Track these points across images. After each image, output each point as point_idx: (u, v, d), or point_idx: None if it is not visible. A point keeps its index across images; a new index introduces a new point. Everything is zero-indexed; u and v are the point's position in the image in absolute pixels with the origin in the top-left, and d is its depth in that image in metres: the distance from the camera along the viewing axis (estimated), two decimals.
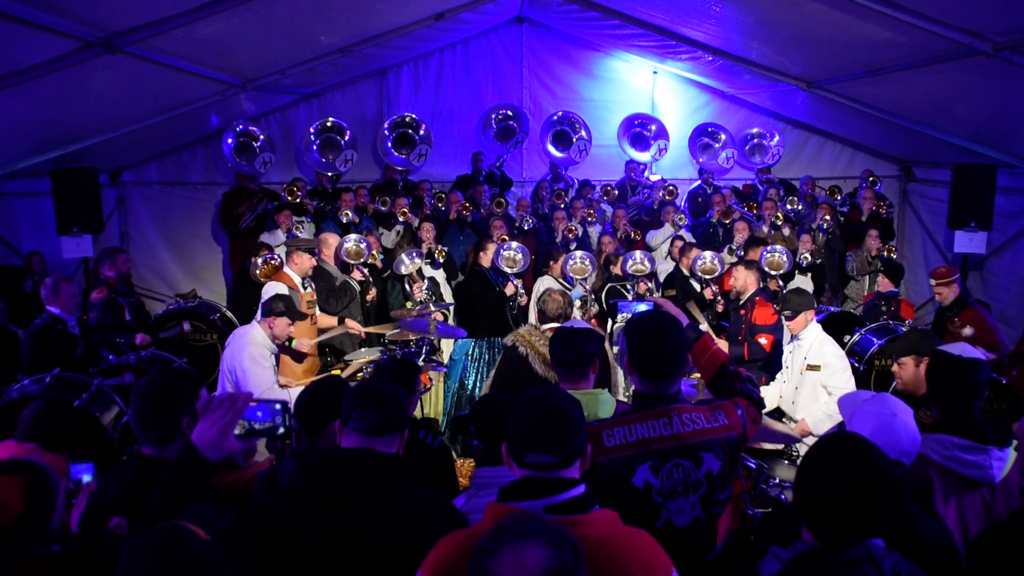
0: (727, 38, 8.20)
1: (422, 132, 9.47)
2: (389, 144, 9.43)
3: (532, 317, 7.29)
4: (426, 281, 7.23)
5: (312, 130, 9.14)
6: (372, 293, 7.25)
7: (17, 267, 7.31)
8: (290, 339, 5.24)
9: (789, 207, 8.93)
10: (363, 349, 6.64)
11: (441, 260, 7.73)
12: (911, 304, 7.67)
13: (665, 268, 8.16)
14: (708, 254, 7.31)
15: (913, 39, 5.84)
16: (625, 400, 4.13)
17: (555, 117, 9.97)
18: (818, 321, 5.23)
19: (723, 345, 5.69)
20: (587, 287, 7.28)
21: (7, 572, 2.11)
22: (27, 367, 5.36)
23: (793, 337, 5.13)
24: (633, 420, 2.43)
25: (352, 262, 6.96)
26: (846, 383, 4.82)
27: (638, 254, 7.49)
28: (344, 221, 8.26)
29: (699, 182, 10.15)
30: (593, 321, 6.94)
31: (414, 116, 9.50)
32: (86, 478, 2.47)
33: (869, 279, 8.02)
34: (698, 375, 4.47)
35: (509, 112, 9.98)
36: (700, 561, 2.41)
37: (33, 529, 2.17)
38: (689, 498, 2.38)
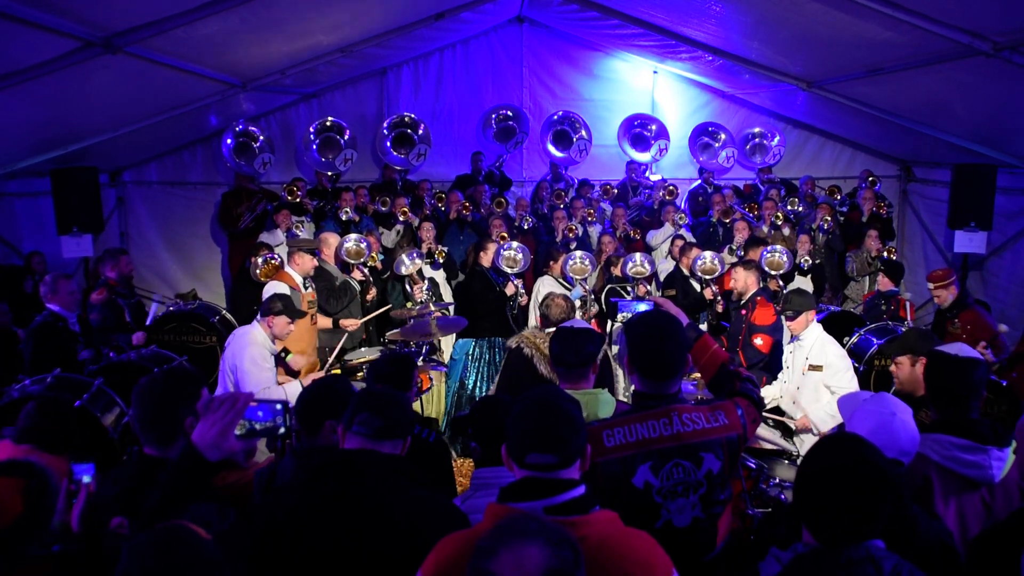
0: (727, 38, 8.20)
1: (421, 132, 9.47)
2: (388, 144, 9.43)
3: (532, 317, 7.29)
4: (426, 281, 7.23)
5: (312, 129, 9.14)
6: (372, 293, 7.25)
7: (17, 267, 7.31)
8: (285, 352, 5.22)
9: (789, 208, 8.93)
10: (363, 348, 6.64)
11: (441, 260, 7.73)
12: (911, 303, 7.67)
13: (666, 267, 8.16)
14: (708, 254, 7.31)
15: (913, 39, 5.84)
16: (626, 400, 4.13)
17: (555, 117, 9.98)
18: (818, 321, 5.23)
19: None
20: (587, 287, 7.28)
21: (7, 573, 2.11)
22: (28, 365, 5.35)
23: (794, 337, 5.13)
24: (633, 420, 2.43)
25: (352, 262, 6.96)
26: (848, 383, 4.82)
27: (638, 256, 7.49)
28: (344, 219, 8.26)
29: (699, 182, 10.15)
30: (593, 321, 6.95)
31: (413, 116, 9.50)
32: (86, 479, 2.47)
33: (869, 279, 8.02)
34: (698, 375, 4.48)
35: (509, 112, 9.98)
36: (700, 561, 2.41)
37: (32, 530, 2.17)
38: (689, 498, 2.38)
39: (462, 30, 9.50)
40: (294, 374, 5.44)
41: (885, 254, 7.82)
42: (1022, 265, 7.92)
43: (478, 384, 6.67)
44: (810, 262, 7.80)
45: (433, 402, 6.34)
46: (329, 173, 9.25)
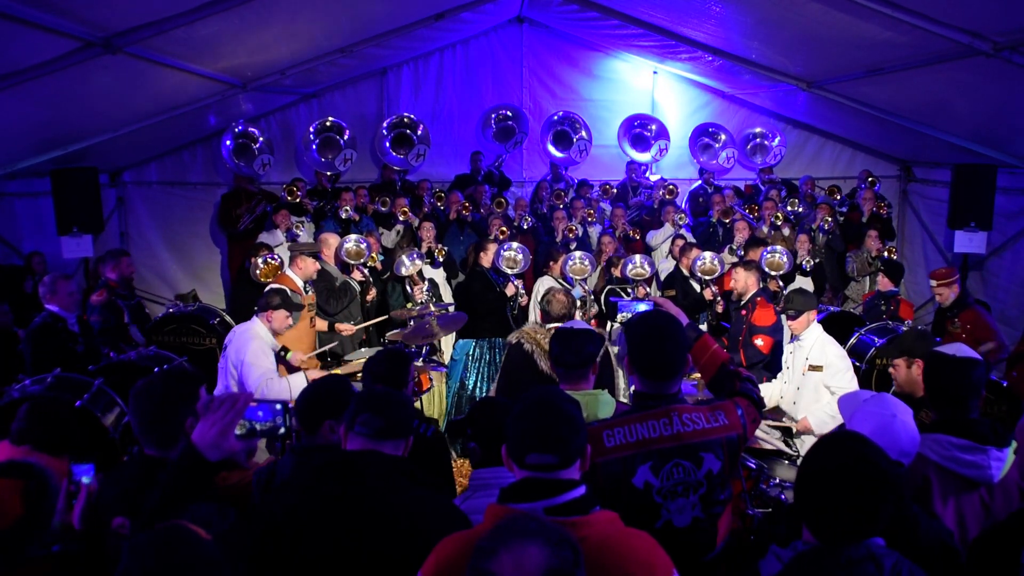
0: (727, 38, 8.20)
1: (420, 132, 9.46)
2: (387, 144, 9.43)
3: (533, 317, 7.29)
4: (426, 282, 7.23)
5: (312, 129, 9.14)
6: (372, 293, 7.25)
7: (17, 267, 7.31)
8: (285, 350, 5.22)
9: (789, 208, 8.93)
10: (363, 349, 6.64)
11: (441, 259, 7.72)
12: (910, 304, 7.68)
13: (666, 267, 8.16)
14: (708, 255, 7.30)
15: (913, 39, 5.84)
16: (626, 401, 4.13)
17: (555, 117, 9.98)
18: (818, 321, 5.22)
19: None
20: (586, 287, 7.27)
21: (7, 573, 2.12)
22: (28, 366, 5.35)
23: (794, 337, 5.13)
24: (633, 420, 2.43)
25: (352, 262, 6.96)
26: (849, 383, 4.81)
27: (638, 258, 7.49)
28: (344, 217, 8.26)
29: (700, 182, 10.15)
30: (593, 322, 6.95)
31: (412, 116, 9.50)
32: (84, 479, 2.47)
33: (869, 280, 8.02)
34: (698, 375, 4.48)
35: (509, 112, 9.99)
36: (700, 561, 2.41)
37: (32, 531, 2.17)
38: (689, 498, 2.38)
39: (462, 30, 9.50)
40: (295, 371, 5.44)
41: (885, 254, 7.82)
42: (1022, 265, 7.92)
43: (478, 385, 6.67)
44: (812, 263, 7.80)
45: (434, 402, 6.34)
46: (329, 173, 9.25)
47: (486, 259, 7.16)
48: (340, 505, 2.13)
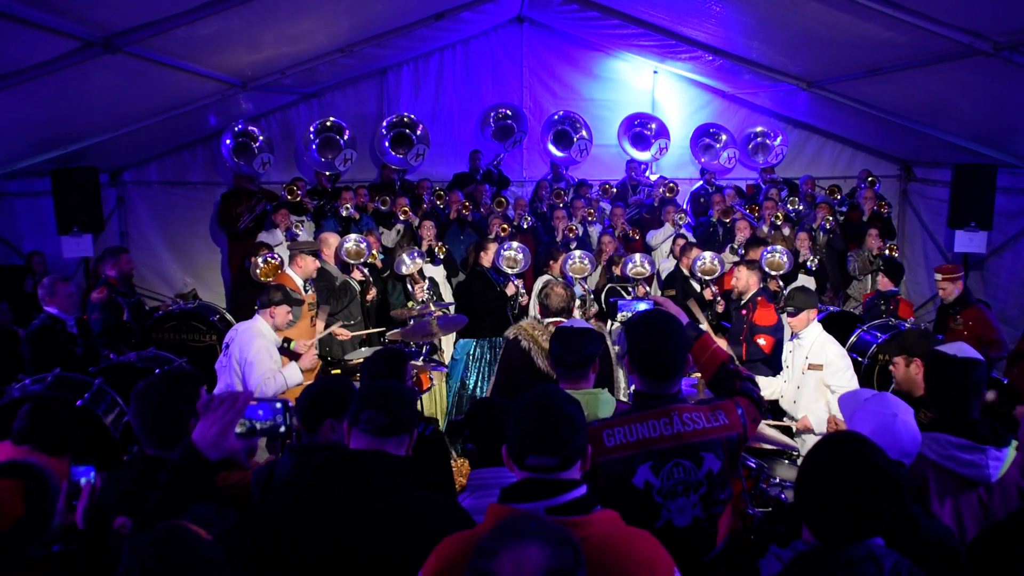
0: (728, 38, 8.20)
1: (419, 132, 9.46)
2: (386, 144, 9.43)
3: (533, 314, 7.29)
4: (427, 281, 7.24)
5: (312, 129, 9.14)
6: (372, 293, 7.25)
7: (17, 267, 7.31)
8: (288, 340, 5.23)
9: (790, 207, 8.93)
10: (363, 349, 6.64)
11: (442, 256, 7.72)
12: (910, 303, 7.68)
13: (667, 267, 8.16)
14: (708, 254, 7.30)
15: (913, 39, 5.84)
16: (625, 400, 4.12)
17: (556, 116, 9.98)
18: (818, 320, 5.23)
19: (722, 344, 5.68)
20: (586, 286, 7.27)
21: (7, 573, 2.12)
22: (27, 368, 5.35)
23: (794, 336, 5.13)
24: (633, 420, 2.42)
25: (352, 262, 6.96)
26: (848, 382, 4.81)
27: (638, 257, 7.50)
28: (344, 215, 8.26)
29: (701, 182, 10.15)
30: (593, 320, 6.94)
31: (412, 116, 9.50)
32: (83, 481, 2.47)
33: (871, 278, 8.02)
34: (698, 374, 4.47)
35: (508, 112, 9.98)
36: (700, 561, 2.41)
37: (33, 531, 2.17)
38: (689, 498, 2.37)
39: (462, 30, 9.50)
40: (297, 360, 5.45)
41: (887, 252, 7.81)
42: (1022, 265, 7.92)
43: (479, 384, 6.67)
44: (816, 261, 7.79)
45: (434, 402, 6.35)
46: (328, 173, 9.25)
47: (486, 259, 7.16)
48: (340, 505, 2.13)
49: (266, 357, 4.74)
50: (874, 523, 1.83)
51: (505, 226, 8.01)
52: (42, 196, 7.62)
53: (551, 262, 7.47)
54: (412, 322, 6.13)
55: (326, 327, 6.38)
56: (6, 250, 7.59)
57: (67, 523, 2.43)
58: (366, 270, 7.13)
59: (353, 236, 7.13)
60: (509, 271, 7.06)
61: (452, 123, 10.14)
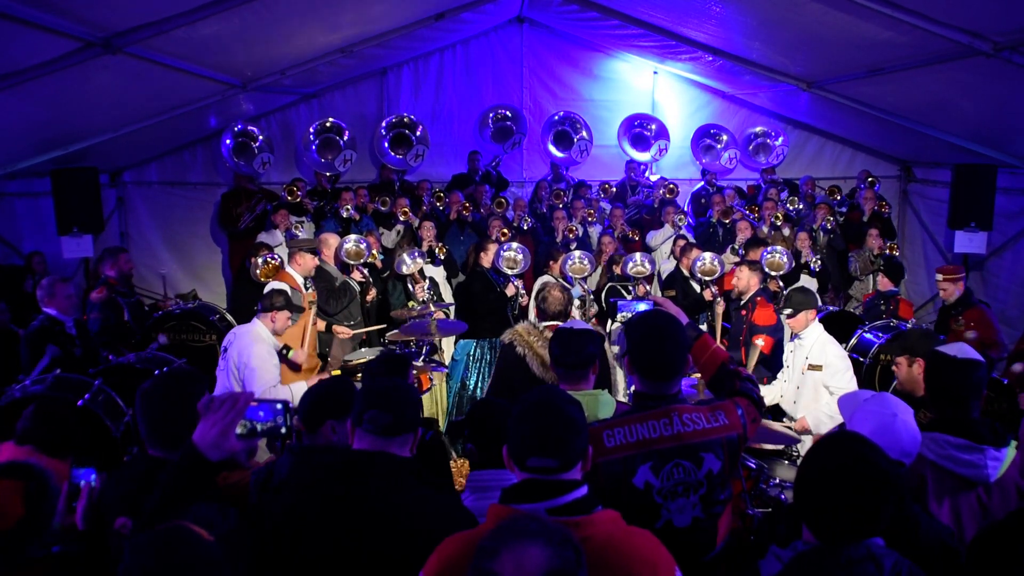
0: (728, 38, 8.20)
1: (419, 133, 9.46)
2: (386, 144, 9.42)
3: (532, 316, 7.29)
4: (427, 281, 7.24)
5: (311, 130, 9.14)
6: (372, 293, 7.25)
7: (17, 267, 7.31)
8: (287, 348, 5.23)
9: (790, 206, 8.93)
10: (363, 349, 6.64)
11: (442, 257, 7.72)
12: (910, 303, 7.68)
13: (667, 268, 8.16)
14: (708, 255, 7.30)
15: (913, 39, 5.84)
16: (625, 400, 4.12)
17: (556, 117, 9.98)
18: (818, 320, 5.23)
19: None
20: (586, 287, 7.27)
21: (7, 574, 2.12)
22: (26, 369, 5.35)
23: (794, 336, 5.13)
24: (633, 420, 2.43)
25: (352, 262, 6.96)
26: (848, 383, 4.81)
27: (638, 256, 7.51)
28: (345, 216, 8.26)
29: (702, 183, 10.15)
30: (593, 321, 6.94)
31: (412, 117, 9.50)
32: (83, 483, 2.47)
33: (872, 278, 8.01)
34: (698, 375, 4.48)
35: (507, 113, 9.99)
36: (700, 561, 2.41)
37: (33, 532, 2.17)
38: (689, 498, 2.37)
39: (462, 30, 9.50)
40: (296, 368, 5.45)
41: (887, 251, 7.81)
42: (1022, 265, 7.92)
43: (479, 385, 6.67)
44: (819, 263, 7.79)
45: (436, 402, 6.35)
46: (328, 174, 9.25)
47: (486, 259, 7.16)
48: (340, 505, 2.13)
49: (269, 365, 4.74)
50: (874, 523, 1.83)
51: (505, 231, 7.99)
52: (42, 196, 7.62)
53: (551, 262, 7.47)
54: (411, 322, 6.14)
55: (327, 329, 6.38)
56: (6, 250, 7.59)
57: (67, 524, 2.43)
58: (366, 270, 7.13)
59: (353, 236, 7.13)
60: (509, 272, 7.06)
61: (452, 123, 10.14)
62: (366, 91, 9.88)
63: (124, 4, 5.12)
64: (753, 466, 4.07)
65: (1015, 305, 7.91)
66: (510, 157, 10.14)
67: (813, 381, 4.91)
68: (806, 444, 4.77)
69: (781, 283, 7.19)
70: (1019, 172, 7.76)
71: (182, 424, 2.43)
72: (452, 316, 7.28)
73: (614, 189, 9.91)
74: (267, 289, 5.69)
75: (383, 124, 9.46)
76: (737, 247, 8.08)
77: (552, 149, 10.01)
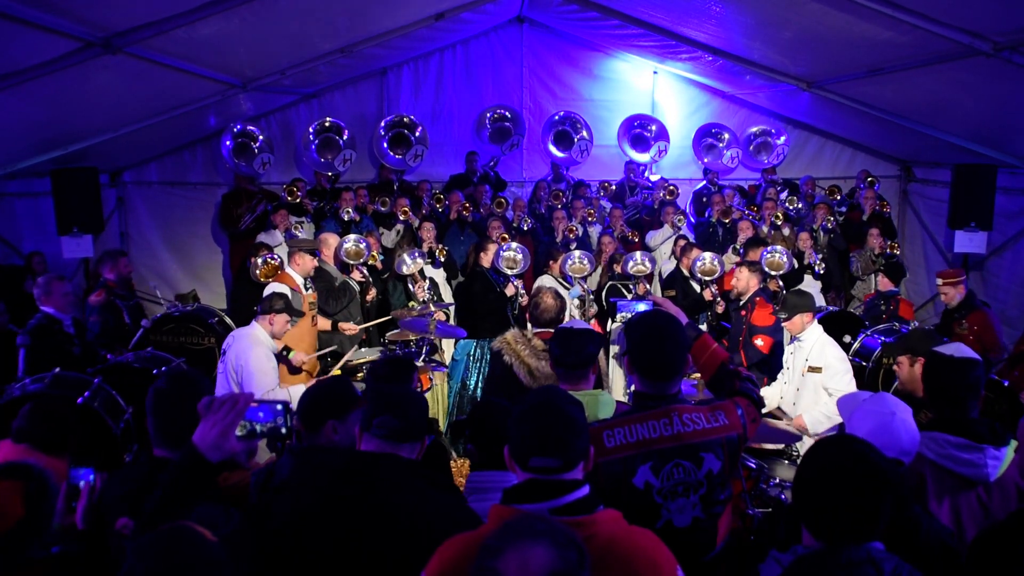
0: (728, 38, 8.20)
1: (418, 133, 9.45)
2: (385, 145, 9.41)
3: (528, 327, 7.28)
4: (427, 281, 7.24)
5: (311, 130, 9.14)
6: (372, 293, 7.25)
7: (17, 267, 7.31)
8: (287, 350, 5.22)
9: (789, 206, 8.93)
10: (363, 349, 6.64)
11: (442, 259, 7.72)
12: (910, 304, 7.68)
13: (668, 268, 8.15)
14: (708, 255, 7.30)
15: (913, 39, 5.84)
16: (624, 400, 4.12)
17: (556, 117, 9.97)
18: (818, 320, 5.23)
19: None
20: (585, 286, 7.27)
21: (7, 575, 2.12)
22: (25, 368, 5.34)
23: (794, 338, 5.13)
24: (633, 421, 2.43)
25: (352, 263, 6.96)
26: (847, 385, 4.81)
27: (639, 254, 7.51)
28: (346, 219, 8.26)
29: (704, 182, 10.14)
30: (593, 321, 6.94)
31: (411, 117, 9.49)
32: (82, 483, 2.47)
33: (874, 278, 8.01)
34: (698, 375, 4.47)
35: (505, 114, 9.98)
36: (700, 561, 2.41)
37: (33, 532, 2.17)
38: (689, 498, 2.38)
39: (462, 30, 9.49)
40: (296, 371, 5.45)
41: (888, 251, 7.81)
42: (1022, 265, 7.92)
43: (479, 385, 6.67)
44: (822, 265, 7.78)
45: (437, 402, 6.35)
46: (328, 174, 9.25)
47: (486, 259, 7.16)
48: (341, 505, 2.13)
49: (267, 368, 4.74)
50: (873, 523, 1.83)
51: (505, 235, 7.98)
52: (42, 196, 7.62)
53: (551, 262, 7.47)
54: (411, 320, 6.14)
55: (333, 327, 6.38)
56: (6, 250, 7.59)
57: (67, 524, 2.43)
58: (365, 270, 7.13)
59: (352, 236, 7.12)
60: (509, 272, 7.06)
61: (452, 123, 10.13)
62: (366, 91, 9.88)
63: (124, 4, 5.11)
64: (753, 466, 4.07)
65: (1015, 305, 7.91)
66: (510, 157, 10.13)
67: (813, 383, 4.91)
68: (806, 443, 4.77)
69: (781, 283, 7.19)
70: (1019, 172, 7.76)
71: (191, 424, 2.43)
72: (452, 316, 7.29)
73: (613, 188, 9.91)
74: (267, 292, 5.70)
75: (382, 124, 9.45)
76: (738, 247, 8.08)
77: (552, 149, 10.00)
